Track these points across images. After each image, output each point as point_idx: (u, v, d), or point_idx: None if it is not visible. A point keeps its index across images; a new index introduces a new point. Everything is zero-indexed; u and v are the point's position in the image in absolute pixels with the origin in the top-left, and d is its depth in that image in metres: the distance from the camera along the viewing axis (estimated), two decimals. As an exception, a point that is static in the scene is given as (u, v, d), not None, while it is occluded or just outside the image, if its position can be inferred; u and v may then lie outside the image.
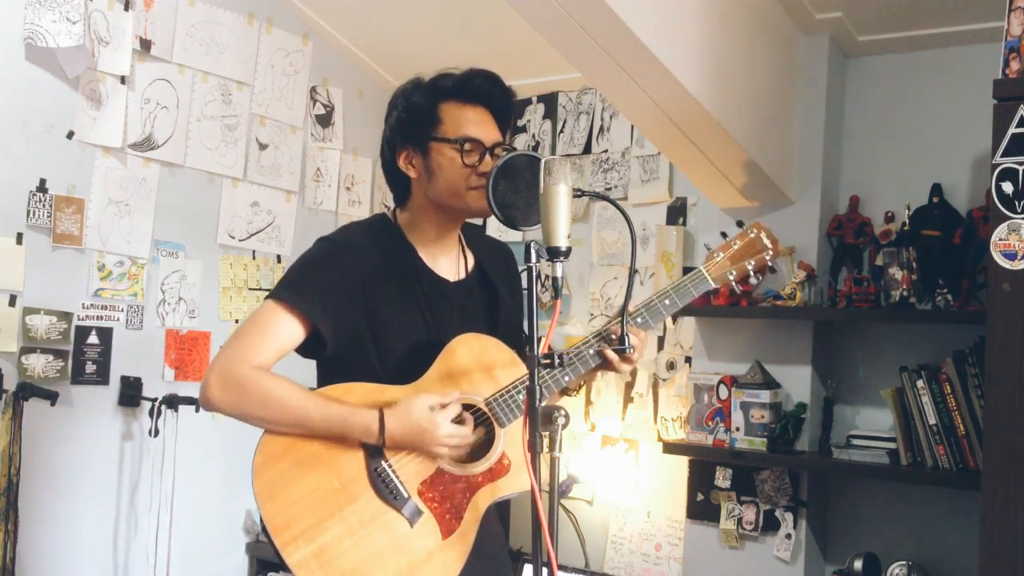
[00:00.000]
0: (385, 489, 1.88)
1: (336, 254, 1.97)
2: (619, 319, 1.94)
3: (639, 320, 2.00)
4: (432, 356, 1.94)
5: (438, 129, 1.99)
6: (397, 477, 1.89)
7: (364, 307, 1.94)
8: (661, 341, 3.81)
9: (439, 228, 2.04)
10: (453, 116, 1.98)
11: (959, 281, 2.99)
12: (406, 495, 1.89)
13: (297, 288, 1.93)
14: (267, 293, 1.98)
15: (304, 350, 1.96)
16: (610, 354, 1.96)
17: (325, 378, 2.01)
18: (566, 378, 1.96)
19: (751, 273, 2.11)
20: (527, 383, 1.89)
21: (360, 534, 1.86)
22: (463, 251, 2.11)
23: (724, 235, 2.17)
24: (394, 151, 2.03)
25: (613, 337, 1.96)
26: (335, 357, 1.96)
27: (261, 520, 1.86)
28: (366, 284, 1.94)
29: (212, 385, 1.87)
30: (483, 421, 1.95)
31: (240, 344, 1.91)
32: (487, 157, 1.97)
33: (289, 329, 1.91)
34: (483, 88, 2.01)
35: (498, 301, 2.10)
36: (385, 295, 1.96)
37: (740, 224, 2.16)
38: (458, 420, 1.90)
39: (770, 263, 2.14)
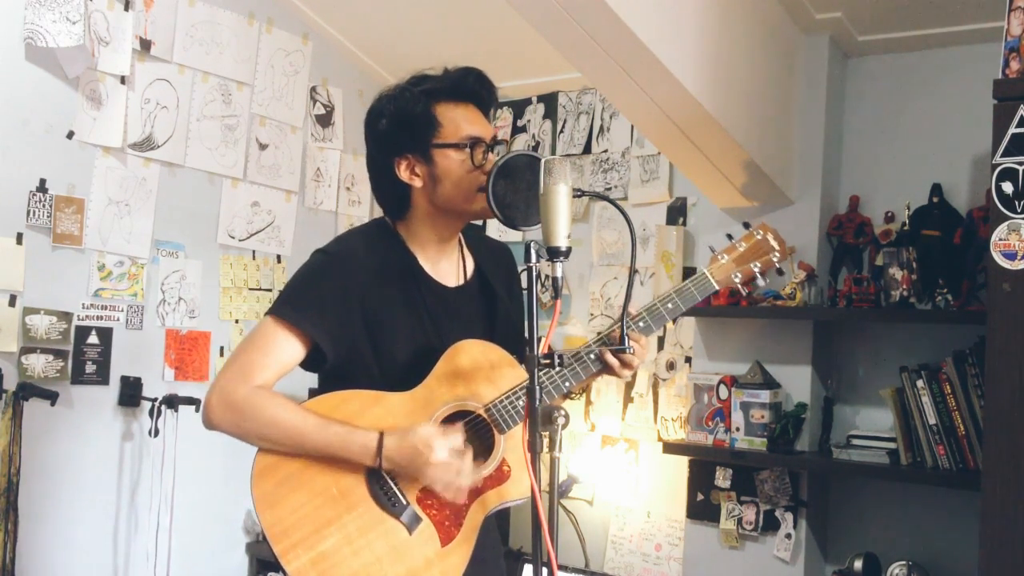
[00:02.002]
0: (384, 497, 1.88)
1: (333, 267, 1.95)
2: (620, 322, 1.93)
3: (641, 324, 1.98)
4: (433, 363, 1.93)
5: (438, 133, 1.95)
6: (396, 484, 1.88)
7: (363, 318, 1.92)
8: (661, 341, 3.81)
9: (442, 234, 2.02)
10: (450, 118, 1.95)
11: (959, 281, 2.99)
12: (405, 502, 1.88)
13: (295, 304, 1.92)
14: (267, 309, 1.97)
15: (305, 364, 1.95)
16: (610, 359, 1.93)
17: (326, 385, 2.00)
18: (567, 383, 1.94)
19: (757, 275, 2.07)
20: (527, 388, 1.90)
21: (359, 542, 1.86)
22: (463, 255, 2.10)
23: (730, 237, 2.13)
24: (391, 162, 1.97)
25: (614, 341, 1.95)
26: (336, 366, 1.94)
27: (261, 527, 1.86)
28: (365, 295, 1.93)
29: (213, 406, 1.87)
30: (483, 427, 1.93)
31: (241, 364, 1.90)
32: (491, 154, 1.96)
33: (289, 347, 1.90)
34: (475, 87, 1.99)
35: (497, 306, 2.08)
36: (385, 304, 1.94)
37: (746, 225, 2.14)
38: (458, 450, 1.87)
39: (777, 265, 2.10)
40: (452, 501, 1.88)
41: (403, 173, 1.97)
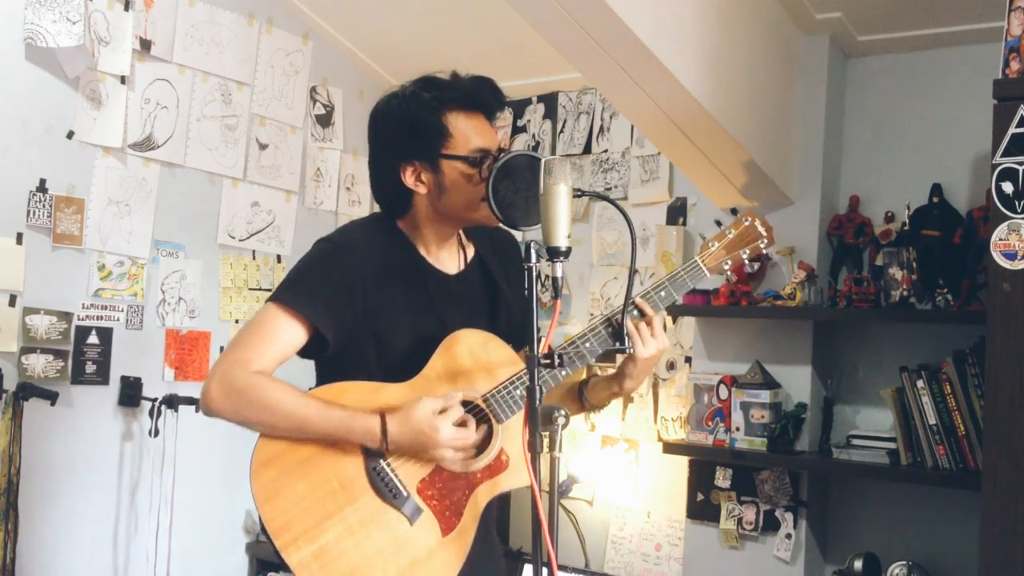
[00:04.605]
0: (384, 488, 1.88)
1: (336, 255, 1.95)
2: (619, 311, 1.93)
3: (635, 313, 1.99)
4: (434, 350, 1.93)
5: (448, 144, 1.94)
6: (396, 476, 1.89)
7: (365, 307, 1.92)
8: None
9: (442, 233, 2.02)
10: (461, 128, 1.94)
11: (959, 281, 2.99)
12: (405, 493, 1.89)
13: (298, 291, 1.92)
14: (268, 296, 1.97)
15: (305, 351, 1.95)
16: (631, 328, 1.94)
17: (324, 375, 2.00)
18: (563, 372, 1.94)
19: (746, 262, 2.10)
20: (524, 378, 1.91)
21: (360, 534, 1.86)
22: (462, 243, 2.10)
23: (719, 224, 2.16)
24: (396, 166, 1.96)
25: (615, 325, 1.95)
26: (334, 356, 1.95)
27: (261, 521, 1.86)
28: (367, 284, 1.93)
29: (212, 391, 1.86)
30: (481, 417, 1.94)
31: (241, 349, 1.89)
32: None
33: (291, 332, 1.90)
34: (488, 98, 1.98)
35: (499, 291, 2.09)
36: (387, 294, 1.95)
37: (734, 212, 2.16)
38: (460, 423, 1.88)
39: (765, 250, 2.13)
40: (462, 472, 1.90)
41: (408, 179, 1.96)
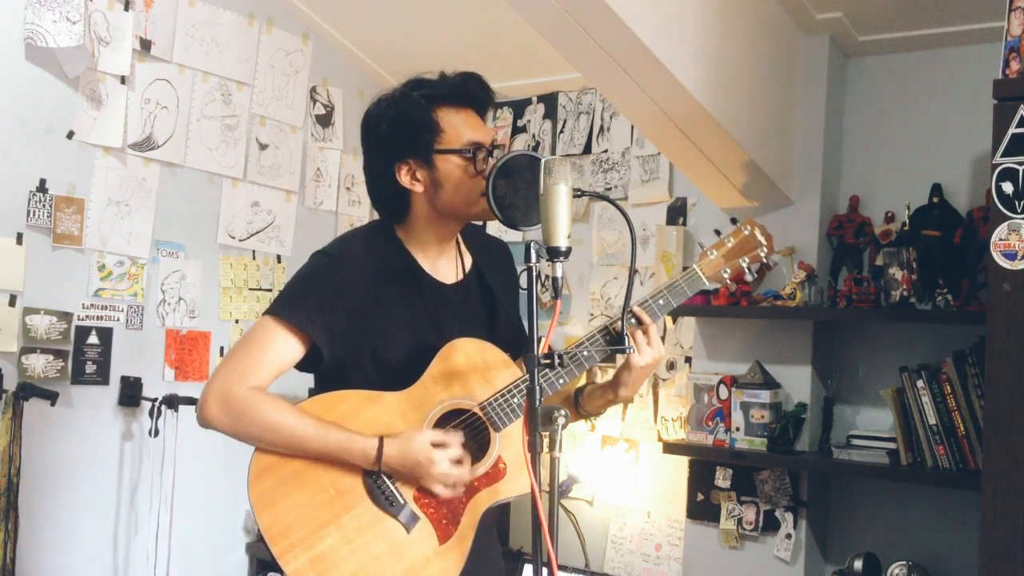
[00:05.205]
0: (381, 496, 1.88)
1: (332, 268, 1.95)
2: (618, 319, 1.93)
3: (632, 321, 1.99)
4: (431, 360, 1.93)
5: (440, 139, 1.94)
6: (393, 484, 1.89)
7: (362, 320, 1.92)
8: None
9: (441, 235, 2.02)
10: (452, 123, 1.95)
11: (959, 281, 2.99)
12: (402, 501, 1.89)
13: (294, 304, 1.92)
14: (264, 308, 1.97)
15: (302, 365, 1.95)
16: (637, 337, 1.94)
17: (322, 383, 2.00)
18: (561, 380, 1.94)
19: (746, 270, 2.10)
20: (522, 386, 1.91)
21: (357, 542, 1.86)
22: (460, 252, 2.10)
23: (718, 232, 2.15)
24: (391, 167, 1.97)
25: (613, 335, 1.96)
26: (333, 366, 1.95)
27: (259, 529, 1.86)
28: (364, 296, 1.93)
29: (209, 405, 1.87)
30: (479, 425, 1.94)
31: (237, 363, 1.90)
32: (490, 158, 1.96)
33: (287, 346, 1.90)
34: (475, 92, 1.99)
35: (496, 301, 2.09)
36: (385, 305, 1.95)
37: (734, 221, 2.16)
38: (457, 460, 1.89)
39: (765, 259, 2.13)
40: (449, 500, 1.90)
41: (404, 178, 1.97)
